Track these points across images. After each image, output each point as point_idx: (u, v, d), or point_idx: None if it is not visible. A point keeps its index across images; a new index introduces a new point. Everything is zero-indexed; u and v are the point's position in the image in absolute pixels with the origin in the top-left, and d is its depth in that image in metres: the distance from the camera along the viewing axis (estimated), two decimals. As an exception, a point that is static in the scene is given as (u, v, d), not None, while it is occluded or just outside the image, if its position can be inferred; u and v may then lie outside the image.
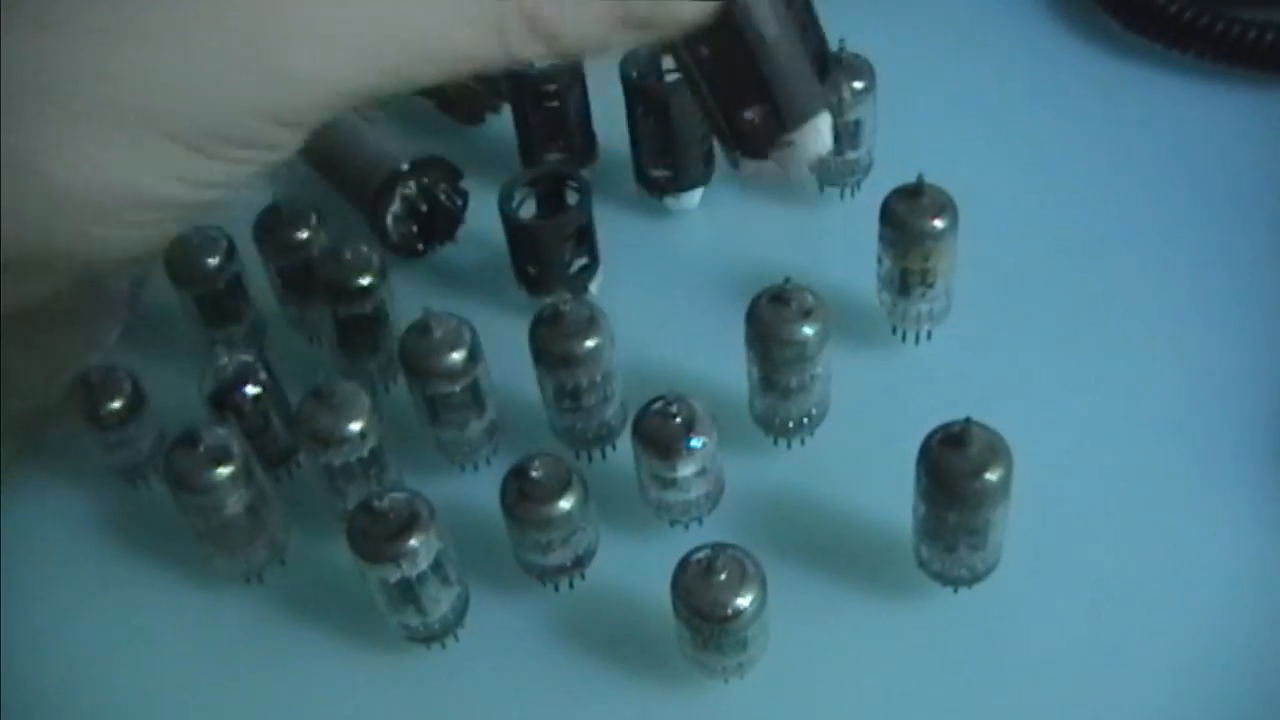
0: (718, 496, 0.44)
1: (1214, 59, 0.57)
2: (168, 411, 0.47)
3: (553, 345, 0.43)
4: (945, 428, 0.39)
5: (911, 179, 0.46)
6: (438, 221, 0.53)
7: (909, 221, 0.45)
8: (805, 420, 0.45)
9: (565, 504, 0.41)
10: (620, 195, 0.54)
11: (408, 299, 0.48)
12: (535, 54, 0.31)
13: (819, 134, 0.37)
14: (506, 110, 0.56)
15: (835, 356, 0.45)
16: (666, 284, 0.53)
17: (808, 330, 0.43)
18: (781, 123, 0.37)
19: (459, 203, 0.54)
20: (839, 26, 0.51)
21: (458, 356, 0.43)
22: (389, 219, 0.53)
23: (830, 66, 0.38)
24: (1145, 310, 0.50)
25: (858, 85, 0.50)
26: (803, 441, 0.46)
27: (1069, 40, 0.61)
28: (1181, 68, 0.58)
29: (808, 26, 0.38)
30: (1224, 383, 0.47)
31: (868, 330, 0.49)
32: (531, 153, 0.55)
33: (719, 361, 0.46)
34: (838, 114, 0.50)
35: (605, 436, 0.46)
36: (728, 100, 0.36)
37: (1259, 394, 0.47)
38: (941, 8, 0.63)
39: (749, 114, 0.36)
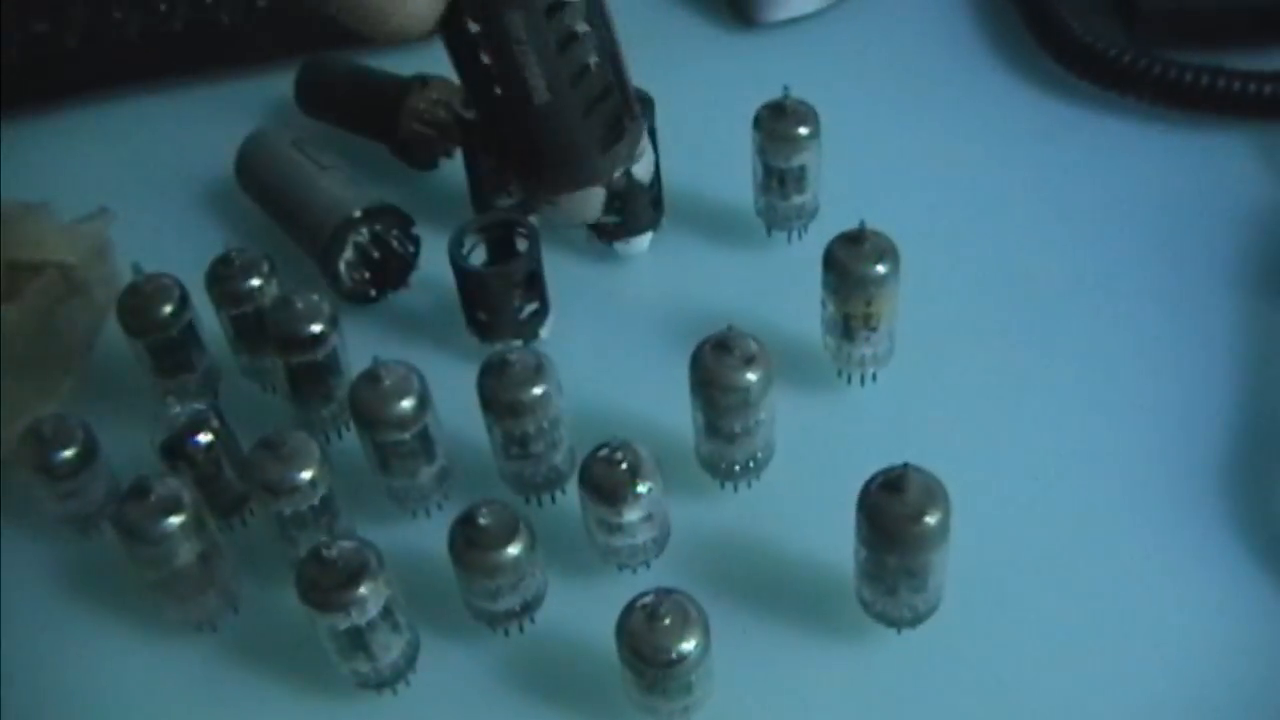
0: (664, 541, 0.45)
1: (1153, 102, 0.58)
2: (120, 461, 0.47)
3: (500, 394, 0.44)
4: (884, 473, 0.40)
5: (857, 223, 0.47)
6: (390, 268, 0.54)
7: (850, 267, 0.46)
8: (751, 464, 0.46)
9: (512, 550, 0.41)
10: (570, 240, 0.55)
11: (360, 346, 0.48)
12: None
13: (587, 204, 0.36)
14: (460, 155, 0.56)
15: (780, 399, 0.45)
16: (617, 329, 0.53)
17: (750, 377, 0.43)
18: (548, 184, 0.36)
19: (411, 249, 0.54)
20: (783, 73, 0.52)
21: (407, 405, 0.44)
22: (341, 266, 0.53)
23: (629, 127, 0.37)
24: (1086, 353, 0.51)
25: (803, 131, 0.51)
26: (749, 485, 0.47)
27: (1011, 84, 0.62)
28: (1122, 110, 0.59)
29: (609, 89, 0.37)
30: (1163, 422, 0.48)
31: (812, 373, 0.50)
32: (482, 199, 0.55)
33: (666, 405, 0.47)
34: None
35: (554, 481, 0.47)
36: (503, 152, 0.35)
37: (1197, 432, 0.48)
38: (885, 54, 0.64)
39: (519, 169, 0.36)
